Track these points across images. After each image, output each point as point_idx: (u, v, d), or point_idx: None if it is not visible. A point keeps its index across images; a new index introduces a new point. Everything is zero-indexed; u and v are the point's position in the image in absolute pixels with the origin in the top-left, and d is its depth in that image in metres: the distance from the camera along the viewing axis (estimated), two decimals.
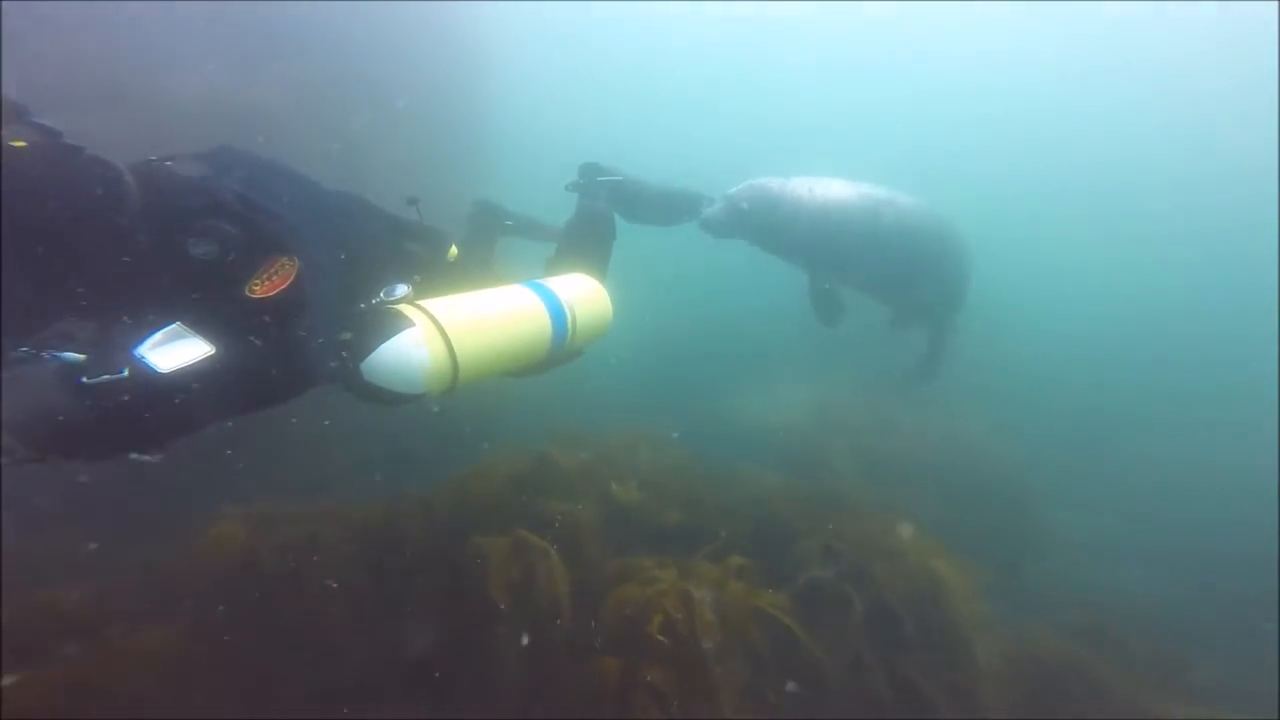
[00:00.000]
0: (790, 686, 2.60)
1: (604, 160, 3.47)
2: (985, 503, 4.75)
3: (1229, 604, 4.77)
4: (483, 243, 3.22)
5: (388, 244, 2.14)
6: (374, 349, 1.76)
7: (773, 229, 4.64)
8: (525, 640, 2.61)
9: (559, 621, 2.68)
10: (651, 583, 2.82)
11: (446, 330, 1.86)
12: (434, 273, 2.25)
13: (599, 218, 3.20)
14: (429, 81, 6.59)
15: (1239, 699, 3.61)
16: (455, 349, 1.86)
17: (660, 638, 2.58)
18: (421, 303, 1.93)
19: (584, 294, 2.52)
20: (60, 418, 1.30)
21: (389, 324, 1.81)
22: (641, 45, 19.38)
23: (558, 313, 2.28)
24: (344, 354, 1.80)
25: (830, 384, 5.90)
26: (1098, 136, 17.45)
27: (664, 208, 3.91)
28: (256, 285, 1.53)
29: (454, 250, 2.45)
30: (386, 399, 1.83)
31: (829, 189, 4.77)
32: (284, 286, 1.56)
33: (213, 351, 1.47)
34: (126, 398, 1.36)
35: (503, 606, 2.69)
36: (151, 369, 1.40)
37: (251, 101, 4.94)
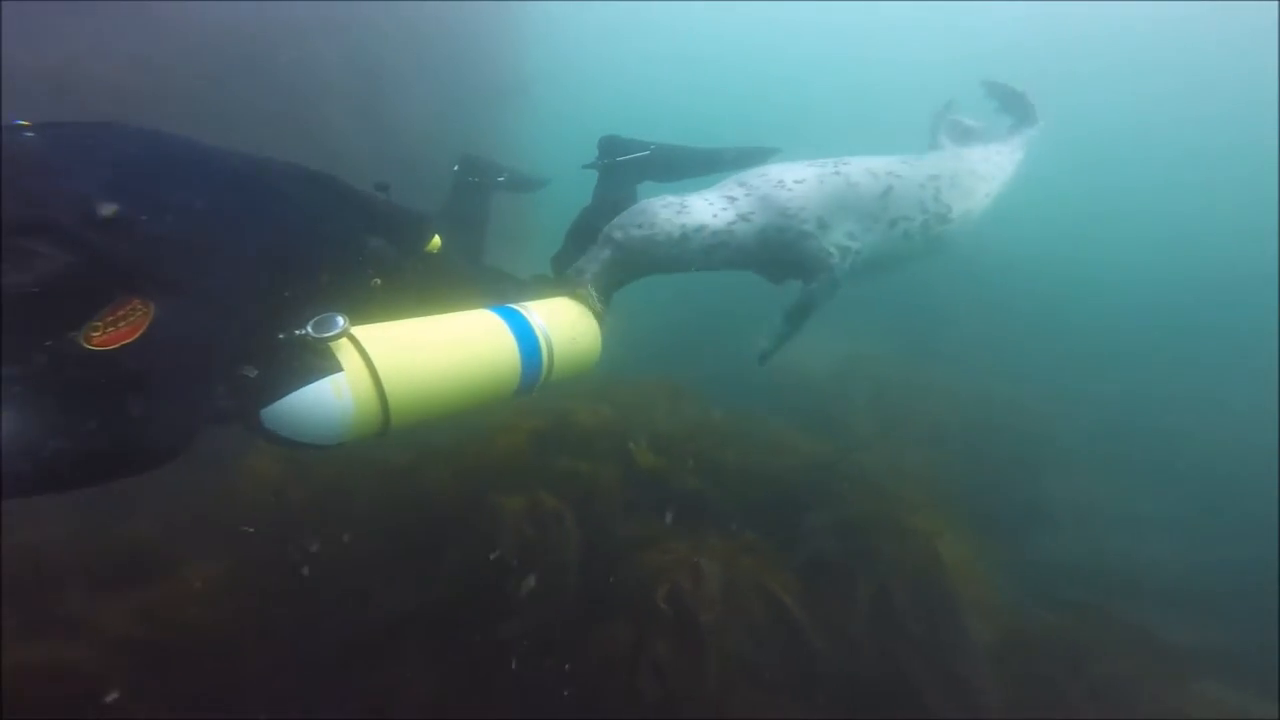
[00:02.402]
0: (783, 665, 2.72)
1: (625, 133, 3.15)
2: (1005, 468, 4.68)
3: (1246, 574, 4.69)
4: (477, 206, 3.06)
5: (342, 241, 1.82)
6: (282, 395, 1.51)
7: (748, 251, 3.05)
8: (536, 600, 2.77)
9: (569, 584, 2.83)
10: (664, 552, 2.92)
11: (380, 372, 1.61)
12: (401, 274, 1.97)
13: (619, 206, 2.93)
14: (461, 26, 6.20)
15: (1249, 676, 3.63)
16: (388, 395, 1.62)
17: (664, 606, 2.71)
18: (357, 332, 1.65)
19: (566, 322, 2.22)
20: None
21: (306, 365, 1.54)
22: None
23: (530, 347, 2.01)
24: (244, 394, 1.53)
25: (858, 335, 5.72)
26: (1121, 114, 16.16)
27: (708, 161, 3.45)
28: (95, 332, 1.19)
29: (437, 241, 2.17)
30: (292, 447, 1.61)
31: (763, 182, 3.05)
32: (129, 339, 1.21)
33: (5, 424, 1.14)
34: None
35: (516, 566, 2.84)
36: None
37: (273, 20, 4.74)
